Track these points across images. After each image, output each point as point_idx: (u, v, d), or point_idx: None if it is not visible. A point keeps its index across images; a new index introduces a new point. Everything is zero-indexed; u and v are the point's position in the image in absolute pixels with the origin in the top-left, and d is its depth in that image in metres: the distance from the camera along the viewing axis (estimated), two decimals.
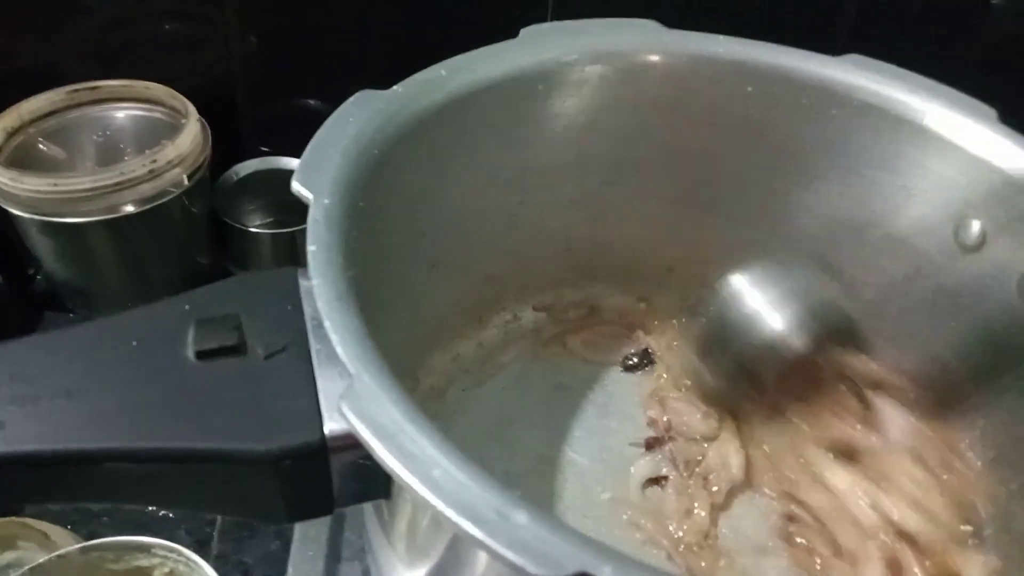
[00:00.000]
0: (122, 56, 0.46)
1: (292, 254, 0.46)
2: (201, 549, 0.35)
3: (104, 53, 0.46)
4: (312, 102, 0.48)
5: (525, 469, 0.31)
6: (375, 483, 0.19)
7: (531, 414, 0.34)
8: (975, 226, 0.29)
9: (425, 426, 0.16)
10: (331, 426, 0.18)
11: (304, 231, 0.47)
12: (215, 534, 0.39)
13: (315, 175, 0.22)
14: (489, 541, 0.14)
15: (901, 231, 0.31)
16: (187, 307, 0.21)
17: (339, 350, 0.18)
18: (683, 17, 0.31)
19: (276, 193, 0.49)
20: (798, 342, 0.33)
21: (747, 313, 0.34)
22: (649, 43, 0.31)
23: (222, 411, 0.19)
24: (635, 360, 0.36)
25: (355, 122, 0.25)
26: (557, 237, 0.35)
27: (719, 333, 0.35)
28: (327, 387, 0.19)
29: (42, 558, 0.31)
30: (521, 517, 0.14)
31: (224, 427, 0.18)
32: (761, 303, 0.34)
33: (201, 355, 0.20)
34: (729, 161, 0.33)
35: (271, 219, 0.50)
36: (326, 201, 0.22)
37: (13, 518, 0.35)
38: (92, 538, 0.32)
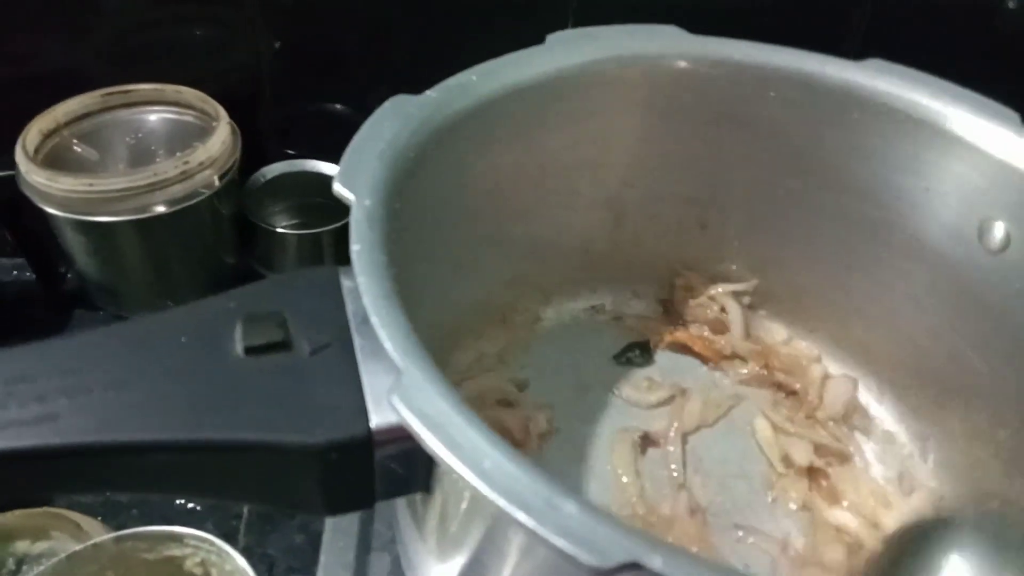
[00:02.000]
0: (148, 60, 0.47)
1: (317, 254, 0.47)
2: (227, 542, 0.36)
3: (130, 57, 0.47)
4: (336, 106, 0.49)
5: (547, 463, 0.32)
6: (416, 477, 0.20)
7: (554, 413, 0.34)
8: (999, 228, 0.29)
9: (473, 418, 0.17)
10: (376, 420, 0.19)
11: (329, 232, 0.48)
12: (241, 527, 0.40)
13: (355, 178, 0.23)
14: (541, 530, 0.14)
15: (924, 234, 0.31)
16: (233, 305, 0.21)
17: (387, 345, 0.18)
18: (703, 22, 0.32)
19: (302, 195, 0.50)
20: None
21: None
22: (672, 48, 0.31)
23: (270, 405, 0.19)
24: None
25: (391, 126, 0.25)
26: (578, 239, 0.36)
27: None
28: (372, 382, 0.19)
29: (76, 547, 0.32)
30: (571, 507, 0.15)
31: (272, 420, 0.19)
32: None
33: (249, 351, 0.20)
34: (749, 164, 0.34)
35: (296, 220, 0.51)
36: (367, 202, 0.22)
37: (46, 508, 0.36)
38: (122, 529, 0.33)
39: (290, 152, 0.50)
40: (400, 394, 0.17)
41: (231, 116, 0.45)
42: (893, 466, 0.34)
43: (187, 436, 0.19)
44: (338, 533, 0.31)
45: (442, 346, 0.33)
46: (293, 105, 0.50)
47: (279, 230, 0.47)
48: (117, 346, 0.20)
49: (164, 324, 0.21)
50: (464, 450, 0.16)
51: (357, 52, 0.47)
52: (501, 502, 0.15)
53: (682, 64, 0.31)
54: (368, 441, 0.19)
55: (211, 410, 0.19)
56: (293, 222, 0.51)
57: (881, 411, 0.36)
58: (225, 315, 0.21)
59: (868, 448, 0.35)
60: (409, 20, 0.46)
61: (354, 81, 0.48)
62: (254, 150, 0.48)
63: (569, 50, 0.30)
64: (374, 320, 0.19)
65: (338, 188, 0.23)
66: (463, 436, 0.16)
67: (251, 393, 0.19)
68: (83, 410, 0.19)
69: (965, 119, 0.29)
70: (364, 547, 0.31)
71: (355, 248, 0.21)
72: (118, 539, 0.32)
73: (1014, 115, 0.29)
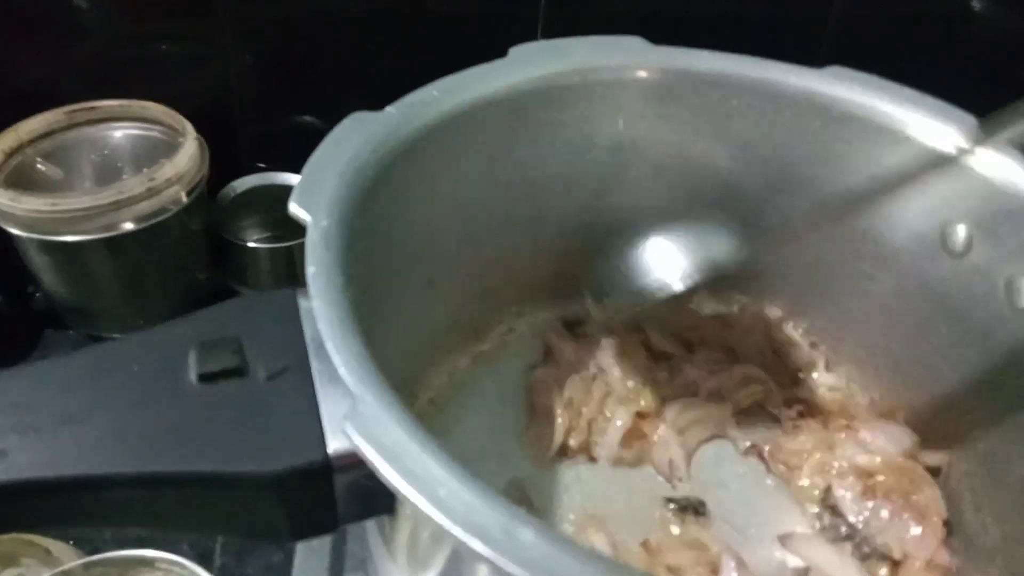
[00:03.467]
0: (120, 75, 0.47)
1: (290, 268, 0.47)
2: (203, 562, 0.35)
3: (102, 72, 0.46)
4: (308, 119, 0.49)
5: (525, 479, 0.32)
6: (378, 500, 0.20)
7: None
8: (961, 231, 0.29)
9: (429, 445, 0.16)
10: (335, 445, 0.19)
11: (301, 245, 0.47)
12: (217, 547, 0.39)
13: (312, 197, 0.23)
14: (497, 559, 0.14)
15: (889, 239, 0.31)
16: (188, 330, 0.21)
17: (342, 371, 0.18)
18: (668, 34, 0.32)
19: (274, 209, 0.50)
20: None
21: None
22: (635, 60, 0.31)
23: (225, 434, 0.19)
24: None
25: (350, 144, 0.25)
26: (549, 252, 0.36)
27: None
28: (329, 407, 0.19)
29: (45, 574, 0.31)
30: (527, 534, 0.15)
31: (228, 450, 0.19)
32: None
33: (203, 378, 0.20)
34: (716, 173, 0.34)
35: (269, 234, 0.50)
36: (324, 223, 0.22)
37: (15, 534, 0.35)
38: (95, 553, 0.32)
39: (262, 166, 0.50)
40: (354, 422, 0.17)
41: (203, 130, 0.44)
42: None
43: (140, 469, 0.18)
44: (311, 554, 0.31)
45: (415, 362, 0.33)
46: (265, 119, 0.50)
47: (250, 244, 0.46)
48: (68, 378, 0.20)
49: (117, 353, 0.20)
50: (419, 478, 0.16)
51: (329, 66, 0.47)
52: (456, 531, 0.15)
53: (646, 75, 0.31)
54: (327, 467, 0.19)
55: (165, 441, 0.19)
56: (265, 235, 0.50)
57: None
58: (179, 342, 0.20)
59: None
60: (381, 35, 0.46)
61: (326, 94, 0.48)
62: (227, 164, 0.47)
63: (533, 63, 0.30)
64: (328, 345, 0.18)
65: (294, 209, 0.22)
66: (418, 464, 0.16)
67: (206, 422, 0.19)
68: (34, 446, 0.18)
69: (923, 124, 0.29)
70: (337, 568, 0.31)
71: (310, 270, 0.20)
72: (87, 565, 0.32)
73: (971, 119, 0.29)
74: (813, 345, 0.36)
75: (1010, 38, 0.45)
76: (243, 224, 0.49)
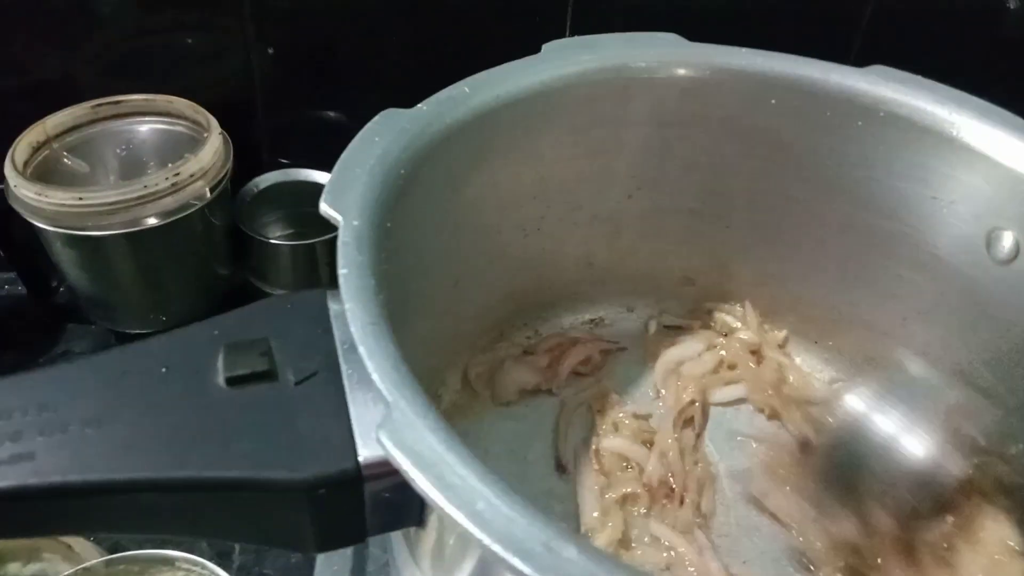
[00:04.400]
0: (141, 68, 0.47)
1: (312, 265, 0.46)
2: (223, 562, 0.35)
3: (123, 65, 0.46)
4: (330, 113, 0.48)
5: (550, 485, 0.31)
6: (408, 511, 0.19)
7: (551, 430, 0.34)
8: (1008, 238, 0.28)
9: (465, 455, 0.16)
10: (365, 453, 0.18)
11: (324, 242, 0.47)
12: (236, 547, 0.39)
13: (343, 196, 0.22)
14: None
15: (931, 244, 0.30)
16: (216, 332, 0.21)
17: (375, 377, 0.17)
18: (703, 30, 0.31)
19: (296, 204, 0.49)
20: (954, 467, 0.27)
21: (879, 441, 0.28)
22: (671, 57, 0.31)
23: (254, 439, 0.19)
24: None
25: (381, 141, 0.24)
26: (578, 252, 0.35)
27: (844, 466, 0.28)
28: (360, 412, 0.19)
29: (66, 571, 0.31)
30: (570, 551, 0.14)
31: (256, 455, 0.18)
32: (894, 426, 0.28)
33: (231, 381, 0.19)
34: (752, 174, 0.33)
35: (291, 230, 0.50)
36: (355, 223, 0.22)
37: None
38: (115, 550, 0.32)
39: (284, 161, 0.50)
40: (388, 430, 0.16)
41: (224, 125, 0.44)
42: None
43: (167, 474, 0.18)
44: (332, 556, 0.31)
45: (439, 364, 0.32)
46: (287, 113, 0.49)
47: (272, 241, 0.46)
48: (95, 379, 0.19)
49: (144, 354, 0.20)
50: (456, 490, 0.15)
51: (352, 59, 0.47)
52: (496, 548, 0.14)
53: (682, 72, 0.30)
54: (357, 475, 0.18)
55: (192, 446, 0.18)
56: (287, 232, 0.50)
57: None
58: (207, 343, 0.20)
59: None
60: (405, 28, 0.45)
61: (349, 89, 0.47)
62: (248, 159, 0.47)
63: (565, 60, 0.29)
64: (361, 350, 0.18)
65: (325, 208, 0.22)
66: (455, 475, 0.15)
67: (234, 427, 0.19)
68: (60, 448, 0.18)
69: (971, 126, 0.28)
70: (359, 570, 0.31)
71: (343, 272, 0.20)
72: (109, 563, 0.32)
73: (1022, 122, 0.28)
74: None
75: None
76: (265, 220, 0.49)
